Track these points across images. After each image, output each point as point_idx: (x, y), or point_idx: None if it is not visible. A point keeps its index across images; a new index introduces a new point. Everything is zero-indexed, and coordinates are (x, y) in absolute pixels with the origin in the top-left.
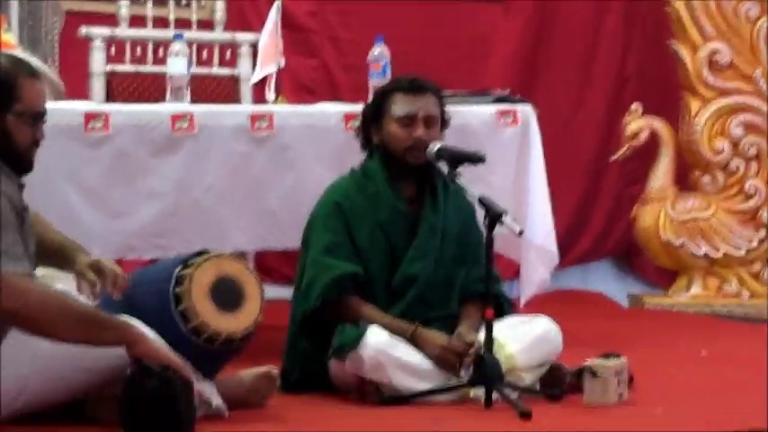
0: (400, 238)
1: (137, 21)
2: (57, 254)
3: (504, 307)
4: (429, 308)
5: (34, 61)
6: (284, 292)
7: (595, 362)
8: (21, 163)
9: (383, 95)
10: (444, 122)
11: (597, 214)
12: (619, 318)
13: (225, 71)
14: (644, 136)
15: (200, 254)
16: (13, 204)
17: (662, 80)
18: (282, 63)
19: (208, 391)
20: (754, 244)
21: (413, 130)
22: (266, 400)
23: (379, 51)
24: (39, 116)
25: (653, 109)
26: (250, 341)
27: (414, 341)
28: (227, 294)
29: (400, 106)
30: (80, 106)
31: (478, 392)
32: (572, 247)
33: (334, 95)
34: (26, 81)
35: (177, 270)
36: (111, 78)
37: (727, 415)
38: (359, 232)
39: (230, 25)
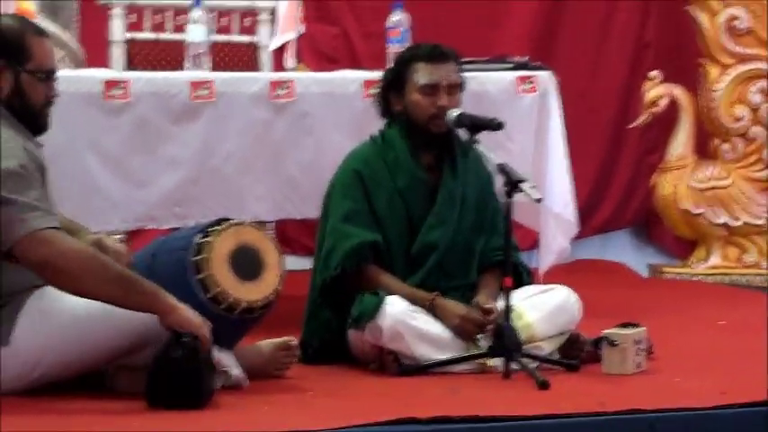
0: (419, 206)
1: None
2: None
3: (522, 276)
4: (448, 277)
5: (54, 29)
6: (304, 263)
7: (614, 331)
8: (36, 121)
9: (404, 63)
10: (462, 87)
11: (616, 183)
12: (638, 287)
13: (244, 38)
14: (663, 103)
15: (219, 222)
16: (37, 163)
17: (681, 47)
18: (302, 30)
19: (227, 362)
20: None
21: (436, 98)
22: (285, 370)
23: (398, 18)
24: (50, 73)
25: (672, 76)
26: (270, 310)
27: (433, 311)
28: (246, 263)
29: (423, 75)
30: (100, 74)
31: (497, 362)
32: (591, 217)
33: (355, 63)
34: (35, 39)
35: (197, 238)
36: (130, 46)
37: (746, 384)
38: (378, 200)
39: None
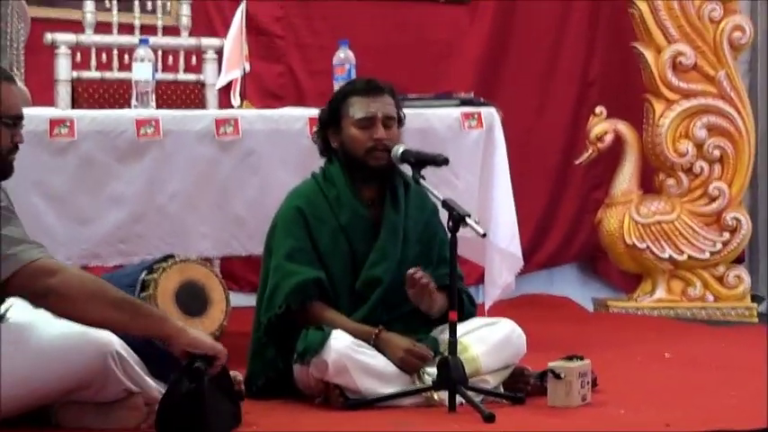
0: (362, 242)
1: (102, 27)
2: None
3: (464, 303)
4: (392, 309)
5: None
6: (250, 300)
7: (558, 364)
8: (2, 167)
9: (340, 99)
10: (400, 121)
11: (562, 219)
12: (583, 321)
13: (190, 77)
14: (608, 139)
15: (165, 259)
16: (10, 201)
17: (626, 83)
18: (248, 68)
19: None
20: (718, 247)
21: (372, 131)
22: None
23: (344, 55)
24: (17, 119)
25: (618, 112)
26: None
27: (377, 345)
28: (192, 299)
29: (358, 108)
30: (45, 112)
31: (443, 396)
32: (537, 252)
33: (301, 101)
34: (2, 86)
35: (143, 275)
36: (76, 85)
37: (690, 416)
38: (321, 237)
39: (196, 31)
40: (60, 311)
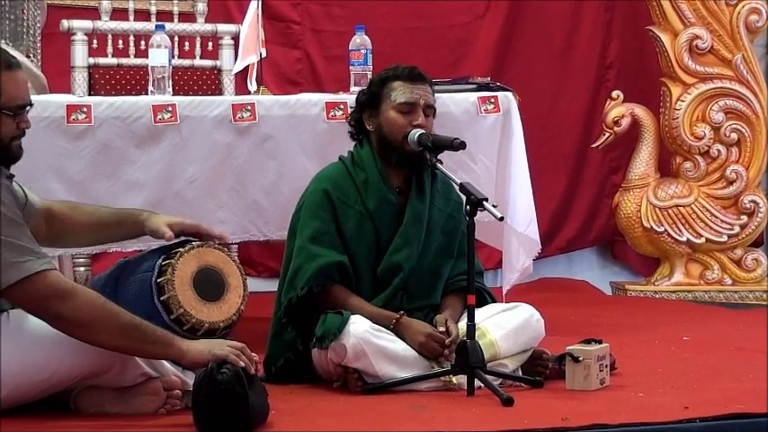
0: (388, 228)
1: (118, 14)
2: (121, 224)
3: (486, 300)
4: (413, 298)
5: (17, 56)
6: (268, 285)
7: (577, 347)
8: (5, 155)
9: (381, 82)
10: (435, 112)
11: (580, 203)
12: (601, 305)
13: (207, 63)
14: (625, 123)
15: (183, 244)
16: (17, 198)
17: (643, 67)
18: (264, 53)
19: (191, 382)
20: (736, 230)
21: (413, 117)
22: None
23: (360, 40)
24: (21, 107)
25: (635, 96)
26: (232, 331)
27: (397, 331)
28: (209, 284)
29: (401, 93)
30: (62, 99)
31: (461, 380)
32: (556, 236)
33: (318, 87)
34: (5, 74)
35: (160, 260)
36: (93, 71)
37: (709, 399)
38: (347, 221)
39: (211, 17)
40: (69, 335)
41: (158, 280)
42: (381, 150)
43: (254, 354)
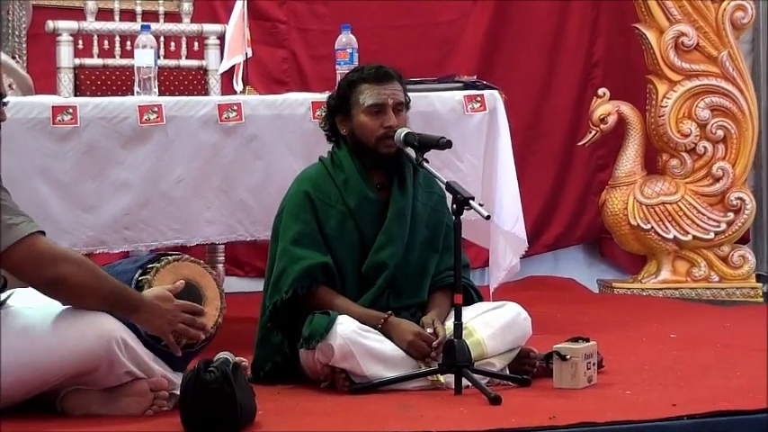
0: (371, 226)
1: (104, 14)
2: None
3: (473, 297)
4: (400, 295)
5: (2, 56)
6: (255, 285)
7: (564, 345)
8: None
9: (349, 86)
10: (407, 106)
11: (567, 201)
12: (588, 303)
13: (193, 63)
14: (612, 120)
15: (159, 258)
16: None
17: (629, 64)
18: (250, 53)
19: (178, 383)
20: (723, 227)
21: (383, 119)
22: None
23: (346, 39)
24: None
25: (621, 94)
26: (210, 343)
27: (386, 330)
28: (186, 299)
29: (369, 96)
30: (47, 100)
31: (449, 379)
32: (542, 234)
33: (304, 86)
34: None
35: (136, 275)
36: (79, 72)
37: (696, 396)
38: (328, 221)
39: (197, 17)
40: (62, 299)
41: None
42: (358, 151)
43: (242, 358)
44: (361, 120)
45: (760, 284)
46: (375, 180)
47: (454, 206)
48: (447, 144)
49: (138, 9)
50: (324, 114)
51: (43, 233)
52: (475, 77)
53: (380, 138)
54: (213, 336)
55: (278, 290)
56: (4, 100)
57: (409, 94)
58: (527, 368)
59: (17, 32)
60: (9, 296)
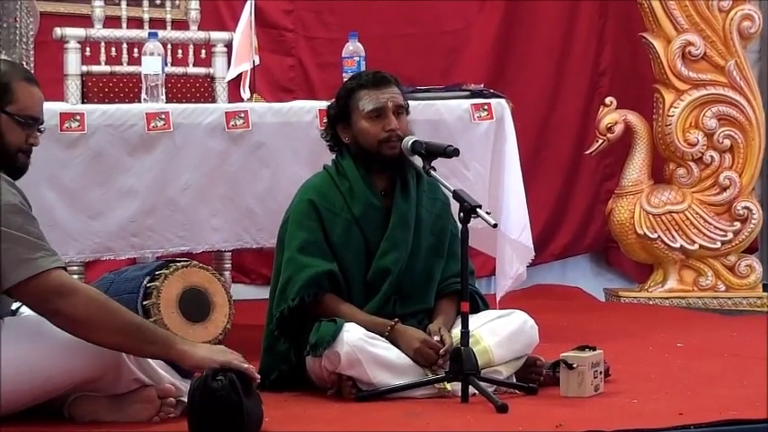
0: (375, 233)
1: (111, 21)
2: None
3: (478, 305)
4: (406, 302)
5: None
6: (261, 293)
7: (571, 354)
8: (11, 165)
9: (347, 94)
10: (407, 110)
11: (574, 210)
12: (595, 311)
13: (200, 70)
14: (618, 129)
15: (167, 265)
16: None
17: (636, 73)
18: (257, 60)
19: (186, 390)
20: (729, 236)
21: (384, 122)
22: None
23: (353, 47)
24: (33, 120)
25: (628, 103)
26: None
27: (392, 338)
28: (194, 306)
29: (368, 101)
30: (55, 106)
31: (455, 387)
32: (550, 243)
33: (311, 94)
34: (21, 84)
35: (145, 281)
36: (86, 79)
37: (703, 406)
38: (334, 229)
39: (205, 24)
40: (68, 331)
41: (144, 303)
42: (361, 158)
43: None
44: (363, 126)
45: (766, 294)
46: (379, 187)
47: (461, 214)
48: (454, 152)
49: (146, 16)
50: (325, 125)
51: (64, 268)
52: (482, 86)
53: (383, 141)
54: (222, 342)
55: (284, 298)
56: (41, 127)
57: (417, 102)
58: (534, 376)
59: (24, 39)
60: (22, 305)
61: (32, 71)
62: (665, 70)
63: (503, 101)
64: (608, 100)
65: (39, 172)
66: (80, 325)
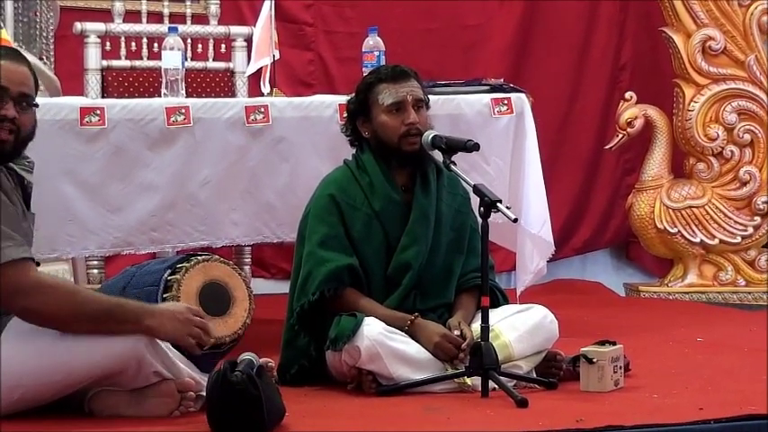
0: (396, 227)
1: (131, 16)
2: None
3: (498, 299)
4: (426, 296)
5: (30, 57)
6: (280, 287)
7: (591, 349)
8: None
9: (367, 88)
10: (427, 104)
11: (595, 205)
12: (615, 306)
13: (220, 65)
14: (638, 124)
15: (188, 258)
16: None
17: (656, 68)
18: (277, 55)
19: (205, 384)
20: (750, 231)
21: (404, 116)
22: None
23: (373, 42)
24: (2, 92)
25: (648, 97)
26: (239, 344)
27: (412, 332)
28: (215, 299)
29: (387, 95)
30: (75, 101)
31: (475, 381)
32: (570, 238)
33: (330, 88)
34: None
35: (166, 274)
36: (106, 74)
37: (723, 400)
38: (354, 223)
39: (224, 19)
40: (39, 325)
41: (164, 295)
42: (381, 153)
43: (268, 359)
44: (383, 120)
45: None
46: (399, 182)
47: (482, 209)
48: (474, 147)
49: (166, 11)
50: (345, 119)
51: (31, 259)
52: (502, 80)
53: (403, 135)
54: (241, 337)
55: (305, 292)
56: (33, 102)
57: (437, 96)
58: (554, 371)
59: (45, 34)
60: None
61: (53, 65)
62: (685, 65)
63: (523, 95)
64: (628, 95)
65: (59, 166)
66: (50, 321)
